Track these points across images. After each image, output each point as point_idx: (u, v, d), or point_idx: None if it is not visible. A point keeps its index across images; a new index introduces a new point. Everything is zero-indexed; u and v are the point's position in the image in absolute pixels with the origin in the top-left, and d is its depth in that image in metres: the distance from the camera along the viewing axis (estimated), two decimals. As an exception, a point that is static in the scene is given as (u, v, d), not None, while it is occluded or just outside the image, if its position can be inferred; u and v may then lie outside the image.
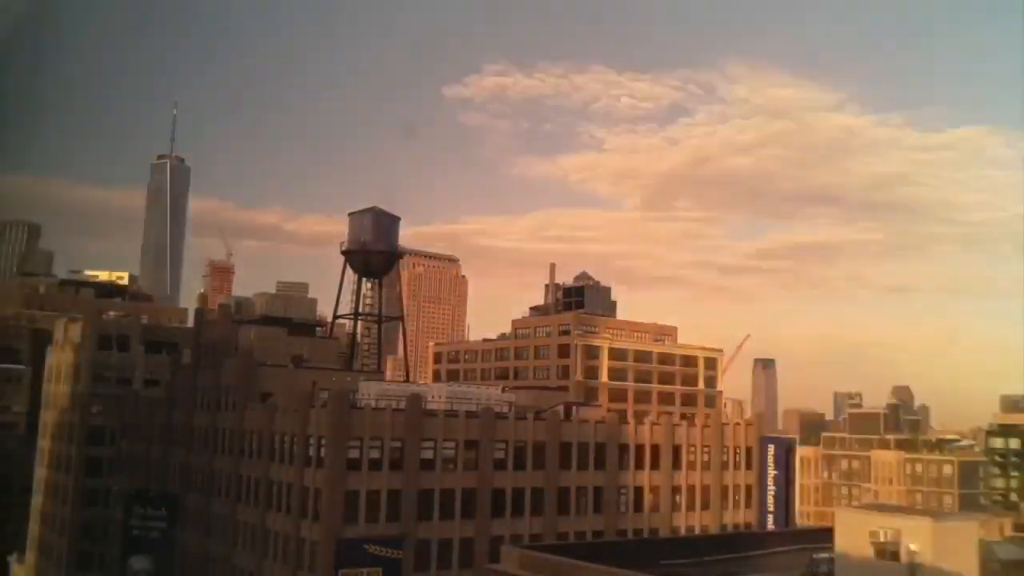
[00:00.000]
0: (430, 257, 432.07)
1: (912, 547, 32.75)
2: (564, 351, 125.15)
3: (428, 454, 64.08)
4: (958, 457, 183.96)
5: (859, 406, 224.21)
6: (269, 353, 77.06)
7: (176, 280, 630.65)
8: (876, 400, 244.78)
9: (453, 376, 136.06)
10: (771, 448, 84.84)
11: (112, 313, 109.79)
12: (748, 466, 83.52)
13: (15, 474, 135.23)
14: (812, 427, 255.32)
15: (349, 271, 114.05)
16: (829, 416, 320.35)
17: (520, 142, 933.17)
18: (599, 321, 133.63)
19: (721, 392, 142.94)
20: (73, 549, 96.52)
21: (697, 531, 75.56)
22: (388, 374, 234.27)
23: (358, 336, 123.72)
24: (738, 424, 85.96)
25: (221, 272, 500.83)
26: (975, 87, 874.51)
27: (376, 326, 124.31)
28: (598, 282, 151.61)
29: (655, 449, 76.69)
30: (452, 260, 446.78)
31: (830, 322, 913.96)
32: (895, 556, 33.29)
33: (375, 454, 61.96)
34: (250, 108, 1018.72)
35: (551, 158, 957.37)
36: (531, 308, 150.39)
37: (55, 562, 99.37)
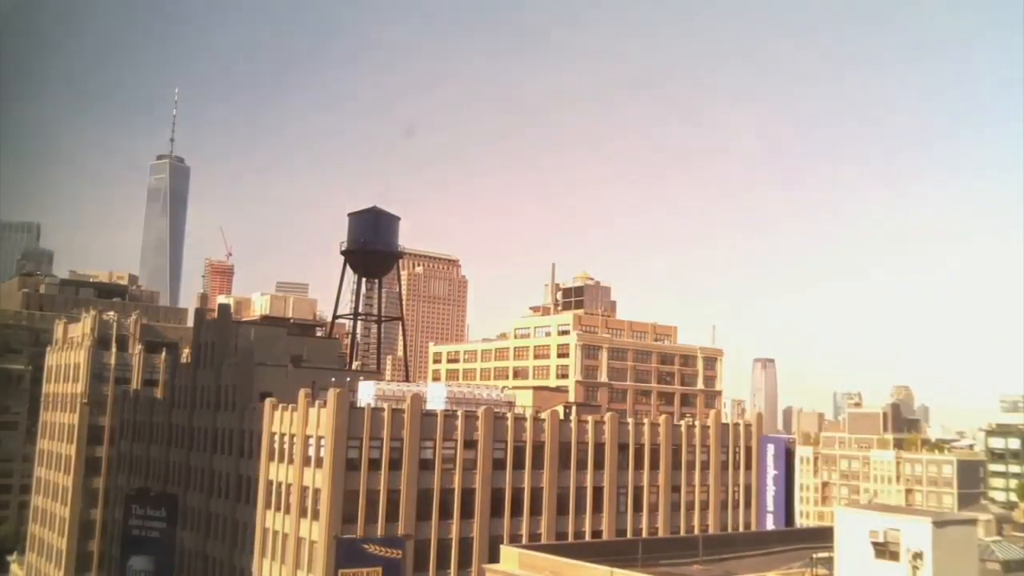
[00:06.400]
0: (430, 257, 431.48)
1: (912, 547, 32.72)
2: (564, 351, 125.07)
3: (428, 454, 64.07)
4: (957, 457, 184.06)
5: (859, 406, 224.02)
6: (269, 353, 76.93)
7: (176, 280, 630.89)
8: (876, 400, 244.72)
9: (453, 376, 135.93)
10: (771, 448, 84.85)
11: (112, 313, 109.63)
12: (748, 466, 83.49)
13: (15, 474, 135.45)
14: (812, 427, 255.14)
15: (349, 271, 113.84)
16: (829, 416, 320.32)
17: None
18: (599, 321, 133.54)
19: (721, 392, 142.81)
20: (73, 549, 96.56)
21: (697, 531, 75.50)
22: (388, 374, 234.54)
23: (358, 336, 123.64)
24: (738, 424, 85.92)
25: (221, 272, 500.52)
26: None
27: (376, 326, 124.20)
28: (598, 282, 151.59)
29: (655, 449, 76.65)
30: (452, 260, 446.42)
31: (830, 322, 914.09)
32: (895, 556, 33.26)
33: (375, 454, 61.96)
34: (250, 107, 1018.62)
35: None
36: (531, 308, 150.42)
37: (55, 562, 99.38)
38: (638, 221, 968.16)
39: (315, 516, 60.94)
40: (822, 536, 49.59)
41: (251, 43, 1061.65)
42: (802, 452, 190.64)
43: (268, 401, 68.02)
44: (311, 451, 62.57)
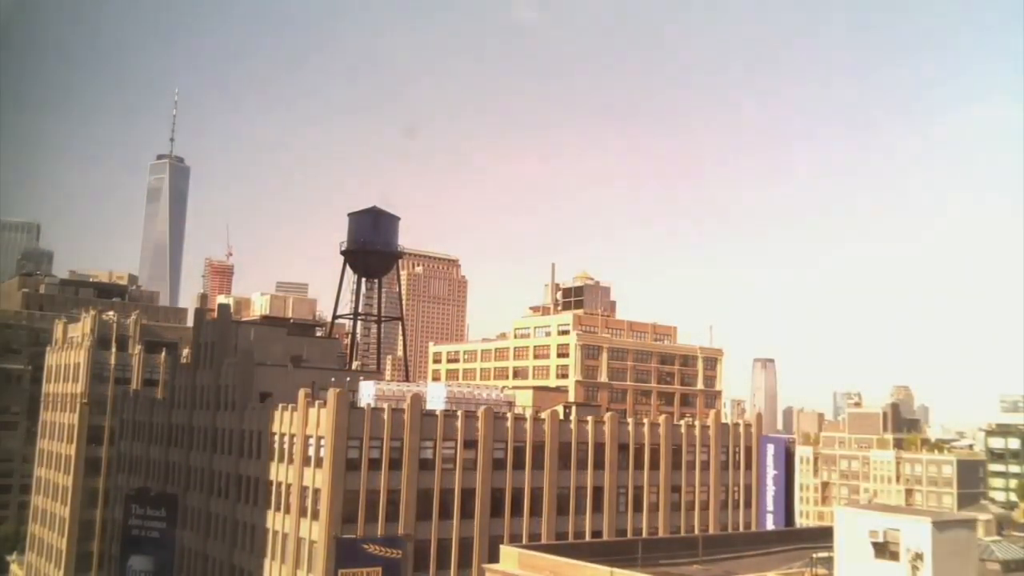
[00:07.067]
0: (430, 257, 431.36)
1: (912, 547, 32.72)
2: (564, 351, 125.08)
3: (428, 454, 64.08)
4: (957, 457, 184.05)
5: (859, 406, 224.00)
6: (268, 353, 76.92)
7: (176, 280, 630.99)
8: (876, 400, 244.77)
9: (453, 376, 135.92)
10: (771, 448, 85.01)
11: (112, 313, 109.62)
12: (748, 466, 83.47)
13: (15, 474, 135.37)
14: (812, 427, 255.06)
15: (349, 271, 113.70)
16: (829, 416, 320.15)
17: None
18: (599, 321, 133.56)
19: (721, 392, 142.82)
20: (73, 549, 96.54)
21: (697, 531, 75.49)
22: (388, 374, 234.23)
23: (358, 336, 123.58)
24: (738, 424, 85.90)
25: (221, 272, 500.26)
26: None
27: (376, 326, 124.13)
28: (598, 282, 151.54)
29: (655, 449, 76.65)
30: (452, 260, 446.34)
31: (830, 322, 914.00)
32: (895, 556, 33.27)
33: (375, 454, 61.97)
34: (250, 107, 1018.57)
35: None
36: (531, 308, 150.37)
37: (55, 562, 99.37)
38: (639, 220, 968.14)
39: (315, 516, 60.96)
40: (822, 536, 49.56)
41: (251, 43, 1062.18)
42: (802, 452, 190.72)
43: (276, 403, 68.01)
44: (311, 451, 62.61)
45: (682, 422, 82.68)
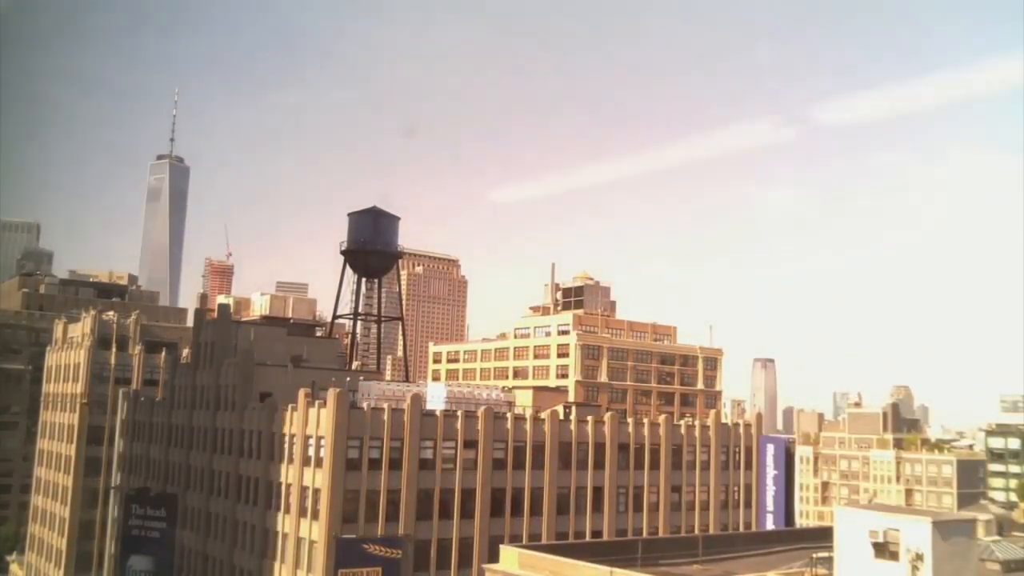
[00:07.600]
0: (430, 257, 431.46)
1: (912, 547, 32.75)
2: (564, 351, 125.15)
3: (428, 454, 64.15)
4: (957, 457, 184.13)
5: (859, 406, 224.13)
6: (268, 353, 76.92)
7: (176, 280, 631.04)
8: (876, 400, 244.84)
9: (453, 376, 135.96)
10: (771, 448, 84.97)
11: (112, 313, 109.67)
12: (748, 466, 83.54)
13: (15, 474, 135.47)
14: (812, 427, 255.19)
15: (349, 271, 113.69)
16: (829, 416, 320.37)
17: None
18: (599, 320, 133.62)
19: (721, 392, 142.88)
20: (73, 549, 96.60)
21: (697, 531, 75.52)
22: (388, 374, 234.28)
23: (358, 336, 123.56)
24: (738, 424, 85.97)
25: (220, 272, 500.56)
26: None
27: (376, 326, 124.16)
28: (598, 282, 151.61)
29: (655, 449, 76.69)
30: (452, 260, 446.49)
31: (830, 322, 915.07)
32: (895, 556, 33.30)
33: (375, 454, 62.03)
34: (250, 106, 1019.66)
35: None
36: (531, 308, 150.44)
37: (55, 562, 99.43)
38: (639, 220, 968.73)
39: (315, 516, 61.00)
40: (822, 536, 49.56)
41: (251, 43, 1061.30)
42: (802, 452, 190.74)
43: (276, 403, 68.06)
44: (311, 451, 62.66)
45: (682, 422, 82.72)
